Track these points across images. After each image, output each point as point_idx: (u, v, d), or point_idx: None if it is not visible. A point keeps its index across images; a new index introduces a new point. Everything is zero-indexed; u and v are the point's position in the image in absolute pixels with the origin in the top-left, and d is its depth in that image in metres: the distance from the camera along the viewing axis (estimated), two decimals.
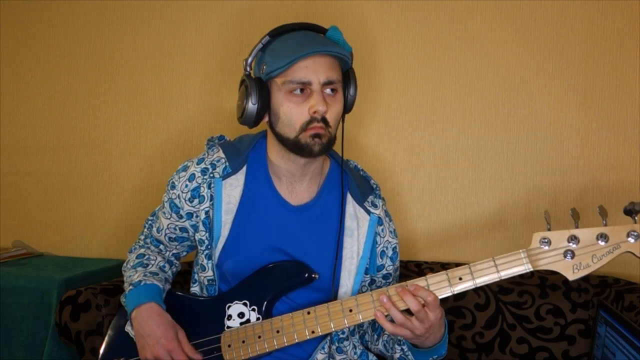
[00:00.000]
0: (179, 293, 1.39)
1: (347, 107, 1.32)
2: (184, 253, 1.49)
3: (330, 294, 1.31)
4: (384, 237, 1.37)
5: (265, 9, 2.02)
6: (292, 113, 1.22)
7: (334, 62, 1.24)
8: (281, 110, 1.23)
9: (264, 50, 1.26)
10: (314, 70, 1.21)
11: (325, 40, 1.25)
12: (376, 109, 1.93)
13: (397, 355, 1.31)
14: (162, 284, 1.36)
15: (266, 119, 1.29)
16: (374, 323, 1.40)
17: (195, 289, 1.40)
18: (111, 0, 2.17)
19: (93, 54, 2.20)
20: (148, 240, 1.47)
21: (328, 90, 1.23)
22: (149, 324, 1.28)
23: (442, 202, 1.92)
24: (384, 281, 1.38)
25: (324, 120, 1.22)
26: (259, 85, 1.24)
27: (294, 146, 1.25)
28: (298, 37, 1.24)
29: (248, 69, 1.28)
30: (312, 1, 1.98)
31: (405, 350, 1.28)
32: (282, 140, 1.26)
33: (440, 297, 1.15)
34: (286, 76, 1.21)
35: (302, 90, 1.22)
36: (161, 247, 1.46)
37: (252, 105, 1.24)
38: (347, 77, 1.30)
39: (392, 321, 1.16)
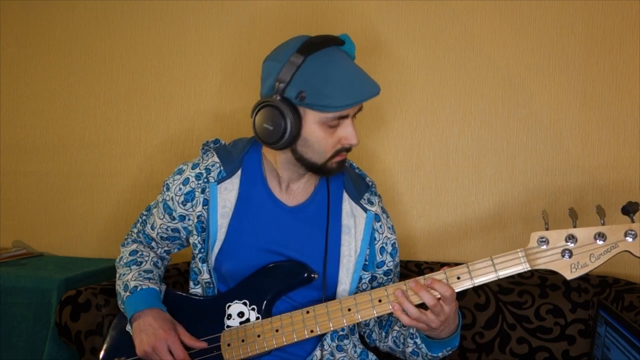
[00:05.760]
0: (179, 293, 1.40)
1: None
2: (175, 250, 1.50)
3: (330, 293, 1.31)
4: (382, 233, 1.37)
5: (266, 9, 2.02)
6: (326, 143, 1.23)
7: None
8: (312, 137, 1.22)
9: (297, 72, 1.18)
10: (355, 107, 1.22)
11: (369, 78, 1.23)
12: (376, 108, 1.93)
13: (409, 350, 1.29)
14: (158, 286, 1.37)
15: None
16: (380, 321, 1.40)
17: (197, 290, 1.40)
18: (111, 0, 2.17)
19: (93, 54, 2.20)
20: (141, 236, 1.48)
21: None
22: (148, 320, 1.29)
23: (442, 202, 1.91)
24: (385, 277, 1.38)
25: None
26: (293, 110, 1.19)
27: (317, 169, 1.26)
28: (345, 71, 1.20)
29: (280, 90, 1.19)
30: (313, 1, 1.98)
31: (419, 343, 1.26)
32: (304, 162, 1.25)
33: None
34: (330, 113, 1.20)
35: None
36: (153, 244, 1.48)
37: (290, 131, 1.19)
38: None
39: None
